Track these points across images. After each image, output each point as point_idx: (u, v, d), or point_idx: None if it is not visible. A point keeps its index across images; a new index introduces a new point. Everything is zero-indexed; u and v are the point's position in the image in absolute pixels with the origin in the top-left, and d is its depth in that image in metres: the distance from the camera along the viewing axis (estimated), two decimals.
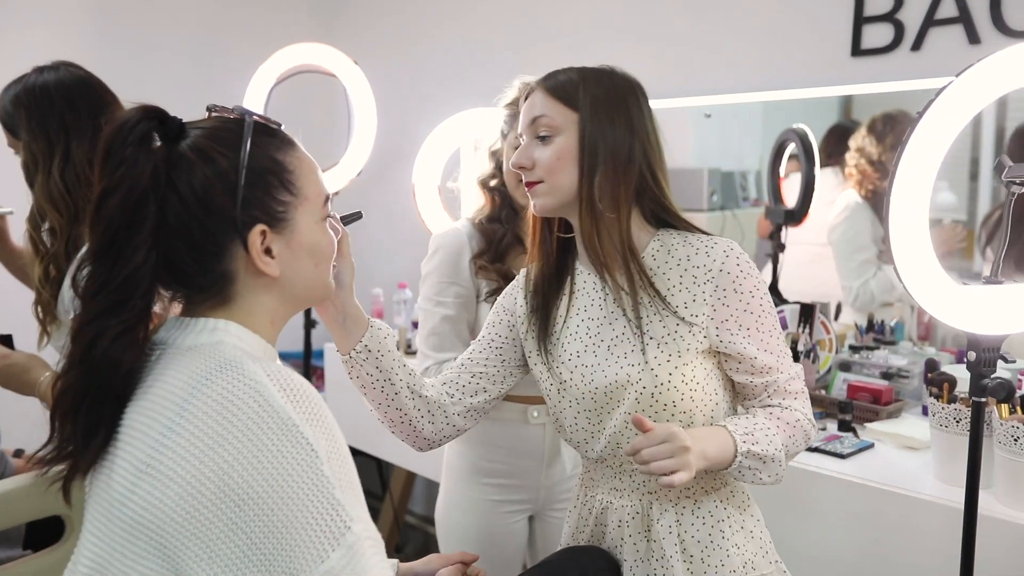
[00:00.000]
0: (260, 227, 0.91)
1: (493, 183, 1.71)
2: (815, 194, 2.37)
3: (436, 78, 3.28)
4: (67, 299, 1.42)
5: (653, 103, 1.27)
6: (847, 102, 2.52)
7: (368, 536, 0.85)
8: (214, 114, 0.96)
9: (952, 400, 1.64)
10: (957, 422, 1.61)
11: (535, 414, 1.70)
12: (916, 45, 2.10)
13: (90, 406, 0.88)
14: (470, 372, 1.37)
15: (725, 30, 2.46)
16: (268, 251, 0.92)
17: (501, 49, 3.05)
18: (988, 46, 1.98)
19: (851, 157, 2.35)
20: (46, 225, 1.45)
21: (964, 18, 2.01)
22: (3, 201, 1.83)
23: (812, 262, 2.48)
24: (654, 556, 1.25)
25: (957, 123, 1.20)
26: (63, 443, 0.91)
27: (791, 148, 2.42)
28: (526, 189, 1.26)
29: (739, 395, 1.30)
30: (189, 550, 0.81)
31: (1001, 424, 1.51)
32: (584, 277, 1.32)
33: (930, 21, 2.07)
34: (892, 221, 1.22)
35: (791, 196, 2.42)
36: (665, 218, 1.27)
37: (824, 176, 2.38)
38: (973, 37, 2.01)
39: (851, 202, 2.37)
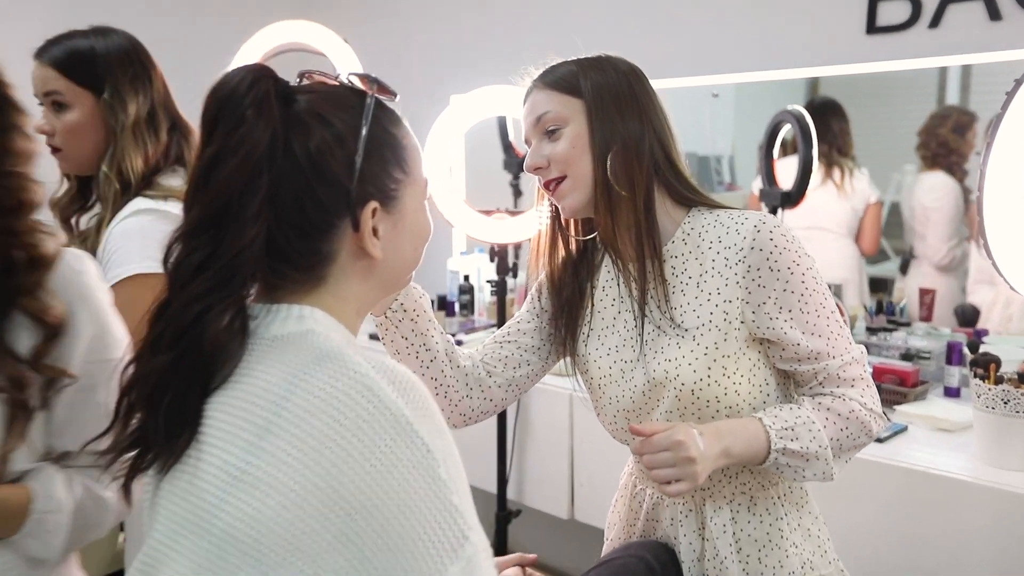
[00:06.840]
0: (373, 204, 0.83)
1: None
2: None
3: (423, 58, 3.17)
4: None
5: (655, 83, 1.20)
6: (814, 83, 2.48)
7: (484, 547, 0.77)
8: (316, 79, 0.87)
9: (999, 381, 1.62)
10: (1005, 403, 1.59)
11: None
12: (934, 22, 2.07)
13: (175, 396, 0.78)
14: (515, 343, 1.28)
15: (733, 6, 2.40)
16: (374, 231, 0.84)
17: (494, 29, 2.96)
18: (1009, 22, 1.97)
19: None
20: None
21: None
22: None
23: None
24: (707, 556, 1.18)
25: None
26: (138, 436, 0.81)
27: (786, 130, 2.34)
28: (547, 193, 1.19)
29: (793, 382, 1.20)
30: (291, 566, 0.71)
31: None
32: (614, 271, 1.23)
33: None
34: (986, 202, 1.19)
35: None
36: (692, 198, 1.18)
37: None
38: (994, 13, 1.98)
39: (941, 181, 2.34)
